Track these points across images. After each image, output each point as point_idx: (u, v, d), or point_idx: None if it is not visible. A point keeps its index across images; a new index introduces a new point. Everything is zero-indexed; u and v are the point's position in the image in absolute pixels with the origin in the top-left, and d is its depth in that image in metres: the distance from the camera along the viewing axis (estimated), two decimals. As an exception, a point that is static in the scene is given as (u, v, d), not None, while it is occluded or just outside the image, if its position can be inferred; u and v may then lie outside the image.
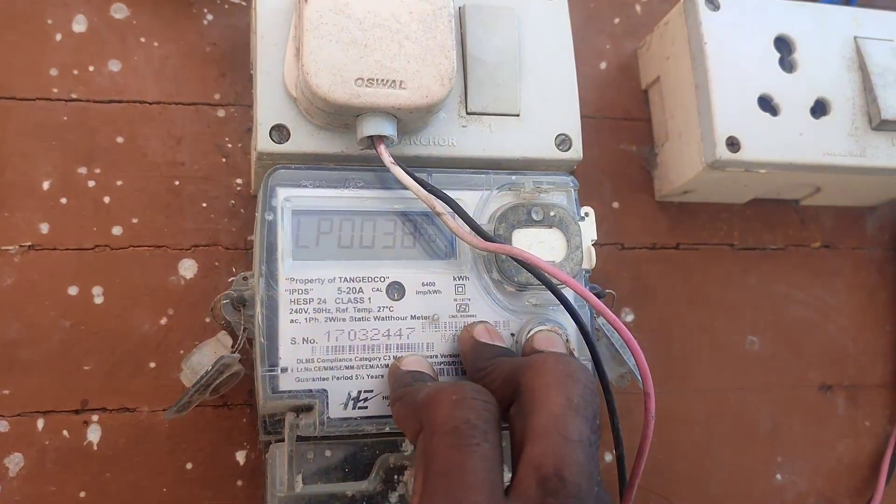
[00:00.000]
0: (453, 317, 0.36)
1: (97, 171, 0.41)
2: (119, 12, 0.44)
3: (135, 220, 0.41)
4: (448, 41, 0.36)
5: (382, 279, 0.36)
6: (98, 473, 0.39)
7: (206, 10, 0.45)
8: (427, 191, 0.35)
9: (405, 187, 0.35)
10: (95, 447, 0.39)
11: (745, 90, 0.44)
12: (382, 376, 0.35)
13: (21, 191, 0.40)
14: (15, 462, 0.38)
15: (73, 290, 0.40)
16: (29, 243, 0.40)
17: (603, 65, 0.51)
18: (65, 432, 0.39)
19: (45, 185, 0.41)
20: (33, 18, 0.42)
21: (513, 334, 0.37)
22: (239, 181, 0.43)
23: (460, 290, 0.37)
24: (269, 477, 0.37)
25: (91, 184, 0.41)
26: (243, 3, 0.45)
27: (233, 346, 0.37)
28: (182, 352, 0.40)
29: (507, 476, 0.29)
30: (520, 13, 0.42)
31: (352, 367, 0.35)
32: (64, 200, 0.41)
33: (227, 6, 0.45)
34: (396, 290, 0.36)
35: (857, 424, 0.50)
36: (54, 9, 0.43)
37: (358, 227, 0.37)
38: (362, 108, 0.35)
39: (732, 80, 0.44)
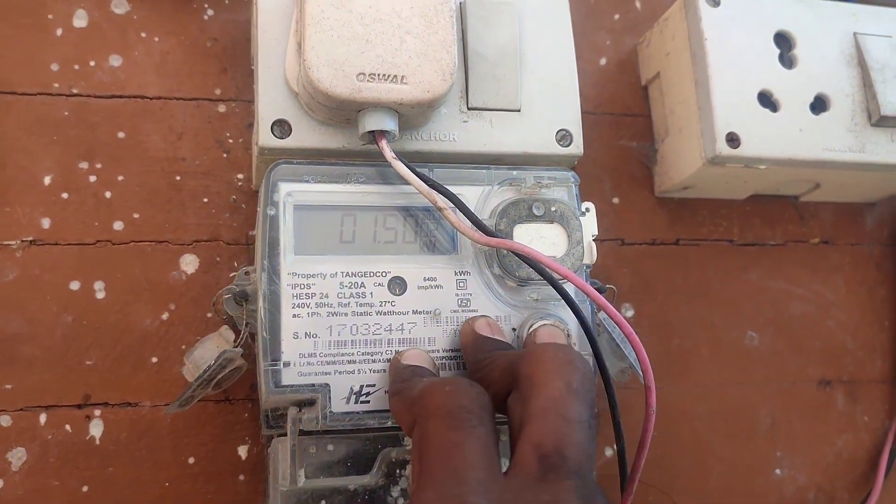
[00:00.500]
0: (455, 312, 0.37)
1: (98, 166, 0.41)
2: (120, 7, 0.44)
3: (136, 215, 0.41)
4: (449, 36, 0.36)
5: (384, 274, 0.36)
6: (100, 468, 0.39)
7: (206, 5, 0.45)
8: (428, 186, 0.35)
9: (407, 182, 0.35)
10: (98, 442, 0.39)
11: (744, 86, 0.45)
12: (384, 371, 0.35)
13: (22, 186, 0.40)
14: (17, 456, 0.38)
15: (74, 285, 0.40)
16: (30, 238, 0.40)
17: (603, 61, 0.51)
18: (67, 427, 0.39)
19: (47, 180, 0.41)
20: (34, 13, 0.42)
21: (514, 329, 0.37)
22: (240, 176, 0.43)
23: (462, 285, 0.37)
24: (272, 471, 0.37)
25: (92, 179, 0.41)
26: (244, -1, 0.46)
27: (235, 341, 0.37)
28: (183, 347, 0.40)
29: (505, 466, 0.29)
30: (520, 8, 0.42)
31: (354, 362, 0.35)
32: (65, 195, 0.41)
33: (227, 1, 0.45)
34: (398, 285, 0.36)
35: (856, 419, 0.50)
36: (55, 4, 0.43)
37: (360, 222, 0.37)
38: (364, 103, 0.35)
39: (732, 75, 0.44)
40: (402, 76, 0.35)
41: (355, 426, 0.35)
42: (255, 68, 0.39)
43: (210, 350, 0.36)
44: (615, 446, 0.34)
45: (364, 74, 0.35)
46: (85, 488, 0.38)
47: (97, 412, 0.39)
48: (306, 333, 0.35)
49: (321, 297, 0.35)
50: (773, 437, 0.48)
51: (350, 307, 0.35)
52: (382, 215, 0.37)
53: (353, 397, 0.35)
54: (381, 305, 0.36)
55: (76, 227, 0.41)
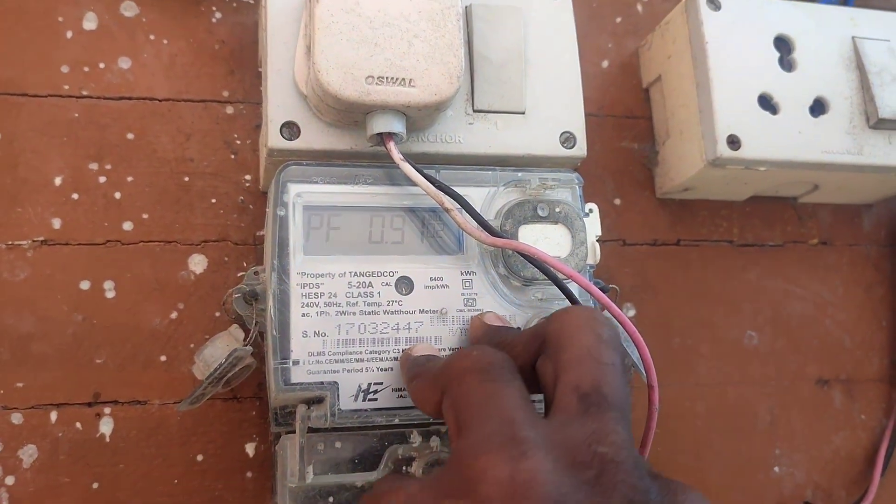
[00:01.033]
0: (461, 311, 0.37)
1: (108, 167, 0.42)
2: (129, 10, 0.44)
3: (145, 216, 0.42)
4: (456, 40, 0.37)
5: (391, 274, 0.37)
6: (110, 465, 0.39)
7: (214, 8, 0.45)
8: (435, 187, 0.36)
9: (414, 184, 0.36)
10: (108, 439, 0.39)
11: (745, 89, 0.45)
12: (392, 369, 0.36)
13: (33, 186, 0.41)
14: (29, 454, 0.38)
15: (84, 285, 0.40)
16: (41, 238, 0.40)
17: (605, 63, 0.52)
18: (78, 424, 0.39)
19: (57, 181, 0.41)
20: (45, 16, 0.43)
21: (519, 328, 0.38)
22: (248, 177, 0.44)
23: (468, 284, 0.38)
24: (280, 468, 0.37)
25: (102, 179, 0.42)
26: (251, 1, 0.46)
27: (245, 340, 0.37)
28: (192, 345, 0.41)
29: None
30: (525, 12, 0.42)
31: (362, 360, 0.36)
32: (75, 196, 0.41)
33: (235, 4, 0.46)
34: (405, 285, 0.37)
35: (854, 418, 0.51)
36: (65, 6, 0.43)
37: (367, 223, 0.37)
38: (372, 105, 0.36)
39: (733, 78, 0.45)
40: (410, 79, 0.36)
41: (363, 423, 0.35)
42: (264, 71, 0.39)
43: (220, 349, 0.37)
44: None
45: (373, 77, 0.36)
46: (95, 485, 0.39)
47: (107, 410, 0.40)
48: (315, 332, 0.35)
49: (330, 297, 0.36)
50: (772, 434, 0.49)
51: (358, 306, 0.36)
52: (390, 216, 0.38)
53: (361, 395, 0.35)
54: (388, 305, 0.36)
55: (86, 228, 0.41)
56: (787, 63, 0.47)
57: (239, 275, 0.42)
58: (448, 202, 0.36)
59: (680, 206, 0.51)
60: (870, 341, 0.52)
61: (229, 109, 0.44)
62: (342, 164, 0.38)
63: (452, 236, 0.38)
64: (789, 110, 0.46)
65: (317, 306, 0.35)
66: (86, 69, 0.43)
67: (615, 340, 0.30)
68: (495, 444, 0.25)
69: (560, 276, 0.35)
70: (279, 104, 0.38)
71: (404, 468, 0.37)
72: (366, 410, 0.35)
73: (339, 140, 0.38)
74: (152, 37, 0.44)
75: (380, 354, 0.36)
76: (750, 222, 0.52)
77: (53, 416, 0.39)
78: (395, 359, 0.36)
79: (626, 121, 0.51)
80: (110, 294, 0.41)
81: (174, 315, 0.41)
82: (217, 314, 0.42)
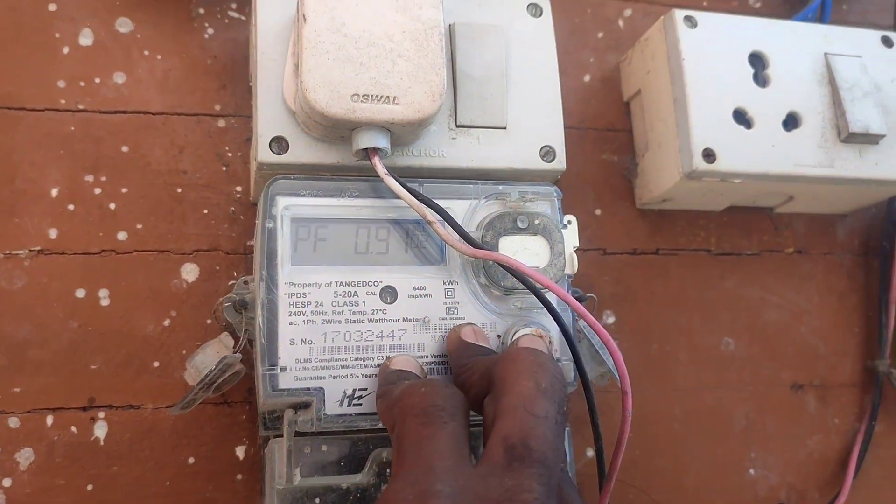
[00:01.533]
0: (443, 319, 0.39)
1: (103, 178, 0.43)
2: (124, 26, 0.46)
3: (139, 226, 0.43)
4: (439, 59, 0.38)
5: (376, 283, 0.38)
6: (105, 467, 0.40)
7: (206, 24, 0.47)
8: (418, 200, 0.37)
9: (398, 197, 0.37)
10: (102, 442, 0.41)
11: (720, 104, 0.47)
12: (376, 375, 0.37)
13: (30, 198, 0.42)
14: (25, 456, 0.40)
15: (80, 293, 0.42)
16: (38, 248, 0.42)
17: (587, 77, 0.53)
18: (73, 428, 0.40)
19: (54, 193, 0.43)
20: (41, 32, 0.44)
21: (499, 336, 0.39)
22: (239, 189, 0.45)
23: (450, 293, 0.39)
24: (268, 470, 0.38)
25: (97, 191, 0.43)
26: (242, 18, 0.47)
27: (234, 347, 0.39)
28: (184, 352, 0.42)
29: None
30: (507, 31, 0.44)
31: (347, 367, 0.37)
32: (71, 207, 0.43)
33: (226, 21, 0.47)
34: (389, 294, 0.38)
35: (827, 422, 0.53)
36: (62, 23, 0.45)
37: (353, 235, 0.39)
38: (358, 122, 0.37)
39: (709, 94, 0.47)
40: (394, 97, 0.37)
41: (348, 428, 0.37)
42: (254, 87, 0.41)
43: (211, 355, 0.38)
44: (594, 447, 0.36)
45: (358, 95, 0.37)
46: (90, 487, 0.40)
47: (101, 414, 0.41)
48: (302, 340, 0.37)
49: (316, 306, 0.37)
50: (748, 438, 0.51)
51: (343, 315, 0.37)
52: (375, 228, 0.39)
53: (346, 400, 0.37)
54: (373, 313, 0.38)
55: (82, 238, 0.42)
56: (761, 79, 0.48)
57: (229, 284, 0.43)
58: (430, 214, 0.37)
59: (659, 216, 0.52)
60: (843, 347, 0.54)
61: (221, 123, 0.46)
62: (329, 177, 0.39)
63: (435, 247, 0.40)
64: (763, 125, 0.47)
65: (304, 315, 0.37)
66: (82, 84, 0.44)
67: (555, 389, 0.30)
68: (409, 495, 0.27)
69: (538, 286, 0.36)
70: (268, 119, 0.39)
71: (388, 470, 0.38)
72: (351, 415, 0.37)
73: (326, 154, 0.40)
74: (146, 52, 0.45)
75: (364, 361, 0.37)
76: (727, 232, 0.53)
77: (49, 420, 0.40)
78: (379, 366, 0.37)
79: (607, 133, 0.52)
80: (105, 302, 0.42)
81: (167, 322, 0.43)
82: (208, 322, 0.43)
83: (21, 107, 0.43)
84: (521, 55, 0.44)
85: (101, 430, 0.41)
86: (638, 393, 0.47)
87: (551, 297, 0.38)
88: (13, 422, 0.40)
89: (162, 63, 0.46)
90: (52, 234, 0.42)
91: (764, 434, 0.51)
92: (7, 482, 0.39)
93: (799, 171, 0.47)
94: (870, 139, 0.48)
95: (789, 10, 0.57)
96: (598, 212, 0.51)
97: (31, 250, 0.42)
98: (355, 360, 0.37)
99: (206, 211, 0.44)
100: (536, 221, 0.40)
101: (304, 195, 0.38)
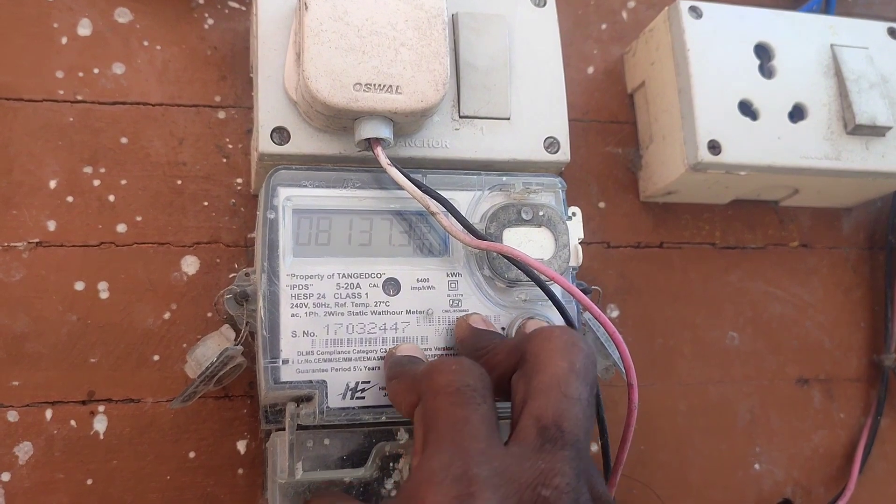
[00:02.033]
0: (447, 311, 0.38)
1: (102, 170, 0.43)
2: (123, 16, 0.45)
3: (139, 218, 0.43)
4: (442, 48, 0.38)
5: (379, 275, 0.38)
6: (104, 461, 0.40)
7: (206, 15, 0.46)
8: (422, 191, 0.37)
9: (401, 188, 0.37)
10: (102, 436, 0.40)
11: (725, 95, 0.46)
12: (379, 368, 0.37)
13: (29, 189, 0.42)
14: (24, 450, 0.39)
15: (79, 286, 0.41)
16: (37, 240, 0.41)
17: (590, 69, 0.53)
18: (72, 422, 0.40)
19: (52, 184, 0.42)
20: (40, 22, 0.44)
21: (503, 328, 0.39)
22: (239, 181, 0.45)
23: (453, 286, 0.39)
24: (270, 464, 0.38)
25: (96, 183, 0.43)
26: (242, 8, 0.47)
27: (235, 339, 0.38)
28: (184, 345, 0.42)
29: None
30: (510, 20, 0.43)
31: (350, 360, 0.37)
32: (70, 199, 0.42)
33: (226, 11, 0.47)
34: (392, 286, 0.38)
35: (833, 416, 0.52)
36: (60, 13, 0.44)
37: (356, 226, 0.38)
38: (360, 112, 0.37)
39: (714, 85, 0.46)
40: (397, 86, 0.37)
41: (351, 421, 0.36)
42: (255, 77, 0.40)
43: (211, 348, 0.38)
44: (599, 441, 0.35)
45: (360, 84, 0.37)
46: (89, 481, 0.40)
47: (101, 408, 0.41)
48: (304, 332, 0.36)
49: (318, 298, 0.37)
50: (752, 433, 0.50)
51: (346, 307, 0.37)
52: (377, 219, 0.39)
53: (349, 393, 0.36)
54: (375, 305, 0.37)
55: (81, 230, 0.42)
56: (766, 70, 0.48)
57: (230, 276, 0.43)
58: (434, 206, 0.37)
59: (663, 209, 0.52)
60: (848, 342, 0.54)
61: (221, 114, 0.45)
62: (331, 168, 0.39)
63: (439, 239, 0.39)
64: (769, 116, 0.47)
65: (306, 307, 0.36)
66: (80, 74, 0.44)
67: (588, 370, 0.30)
68: (447, 477, 0.26)
69: (543, 278, 0.36)
70: (270, 110, 0.39)
71: (391, 465, 0.38)
72: (353, 408, 0.36)
73: (328, 145, 0.39)
74: (146, 43, 0.45)
75: (367, 354, 0.37)
76: (732, 225, 0.53)
77: (48, 413, 0.40)
78: (382, 358, 0.37)
79: (610, 126, 0.52)
80: (104, 295, 0.42)
81: (167, 315, 0.42)
82: (209, 314, 0.42)
83: (19, 97, 0.43)
84: (525, 45, 0.43)
85: (100, 424, 0.40)
86: (642, 387, 0.47)
87: (556, 290, 0.37)
88: (12, 415, 0.40)
89: (161, 54, 0.45)
90: (51, 226, 0.42)
91: (769, 429, 0.51)
92: (6, 476, 0.39)
93: (805, 164, 0.47)
94: (876, 131, 0.47)
95: (795, 1, 0.56)
96: (601, 205, 0.51)
97: (29, 242, 0.41)
98: (358, 352, 0.37)
99: (206, 203, 0.44)
100: (541, 213, 0.40)
101: (306, 185, 0.38)
